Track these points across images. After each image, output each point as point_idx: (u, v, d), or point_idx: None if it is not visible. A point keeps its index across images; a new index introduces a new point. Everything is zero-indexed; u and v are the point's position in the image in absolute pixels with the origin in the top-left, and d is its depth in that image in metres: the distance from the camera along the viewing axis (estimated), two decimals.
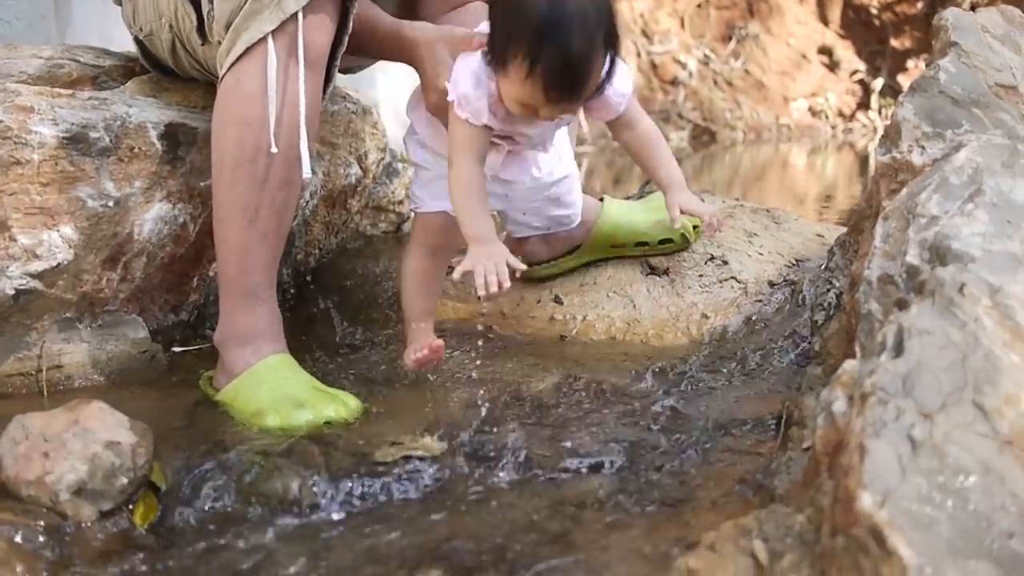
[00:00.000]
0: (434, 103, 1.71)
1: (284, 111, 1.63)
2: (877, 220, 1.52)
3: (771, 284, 2.05)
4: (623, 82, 1.65)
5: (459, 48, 1.65)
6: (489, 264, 1.47)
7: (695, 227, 2.13)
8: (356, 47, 1.76)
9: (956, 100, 1.65)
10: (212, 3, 1.68)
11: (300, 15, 1.60)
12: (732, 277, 2.07)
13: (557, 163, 1.82)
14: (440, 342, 1.74)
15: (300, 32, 1.61)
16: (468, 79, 1.58)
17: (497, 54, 1.54)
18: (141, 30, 1.93)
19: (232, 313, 1.69)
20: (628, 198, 2.29)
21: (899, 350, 1.15)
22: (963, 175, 1.44)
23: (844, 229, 2.12)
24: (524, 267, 1.52)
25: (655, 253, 2.10)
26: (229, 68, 1.64)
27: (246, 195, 1.64)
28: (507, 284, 1.46)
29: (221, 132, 1.66)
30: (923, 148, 1.60)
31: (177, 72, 1.99)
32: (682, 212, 1.70)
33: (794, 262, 2.12)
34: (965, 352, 1.13)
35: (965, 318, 1.18)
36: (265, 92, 1.61)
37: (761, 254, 2.14)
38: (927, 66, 1.76)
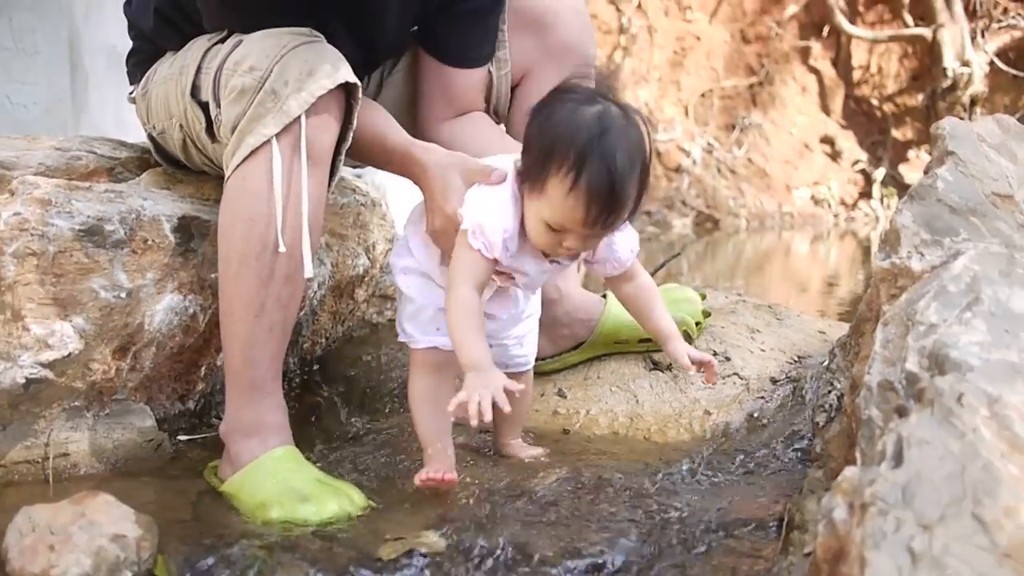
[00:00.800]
0: (438, 227, 1.70)
1: (289, 210, 1.66)
2: (877, 325, 1.54)
3: (773, 381, 2.07)
4: (633, 240, 1.70)
5: (473, 178, 1.67)
6: (485, 392, 1.45)
7: (697, 324, 2.15)
8: (363, 156, 1.80)
9: (954, 208, 1.69)
10: (220, 107, 1.73)
11: (303, 118, 1.64)
12: (735, 373, 2.08)
13: (530, 302, 1.82)
14: (454, 476, 1.68)
15: (303, 134, 1.65)
16: (489, 209, 1.59)
17: (535, 171, 1.53)
18: (154, 128, 1.98)
19: (238, 406, 1.71)
20: None
21: (899, 460, 1.17)
22: (961, 283, 1.47)
23: (845, 325, 2.14)
24: (521, 387, 1.50)
25: (658, 349, 2.12)
26: (235, 168, 1.68)
27: (252, 290, 1.68)
28: (507, 408, 1.45)
29: (228, 228, 1.70)
30: (922, 255, 1.64)
31: (189, 167, 2.03)
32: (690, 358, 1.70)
33: (796, 359, 2.14)
34: (964, 463, 1.15)
35: (964, 428, 1.20)
36: (270, 191, 1.65)
37: (763, 350, 2.16)
38: (925, 173, 1.80)
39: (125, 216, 1.84)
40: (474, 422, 1.44)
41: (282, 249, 1.65)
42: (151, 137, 2.04)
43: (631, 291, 1.75)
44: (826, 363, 1.90)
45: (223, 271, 1.70)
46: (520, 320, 1.81)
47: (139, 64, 2.05)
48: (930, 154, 1.93)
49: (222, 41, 1.78)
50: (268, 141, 1.65)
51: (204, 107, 1.79)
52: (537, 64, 2.03)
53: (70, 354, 1.75)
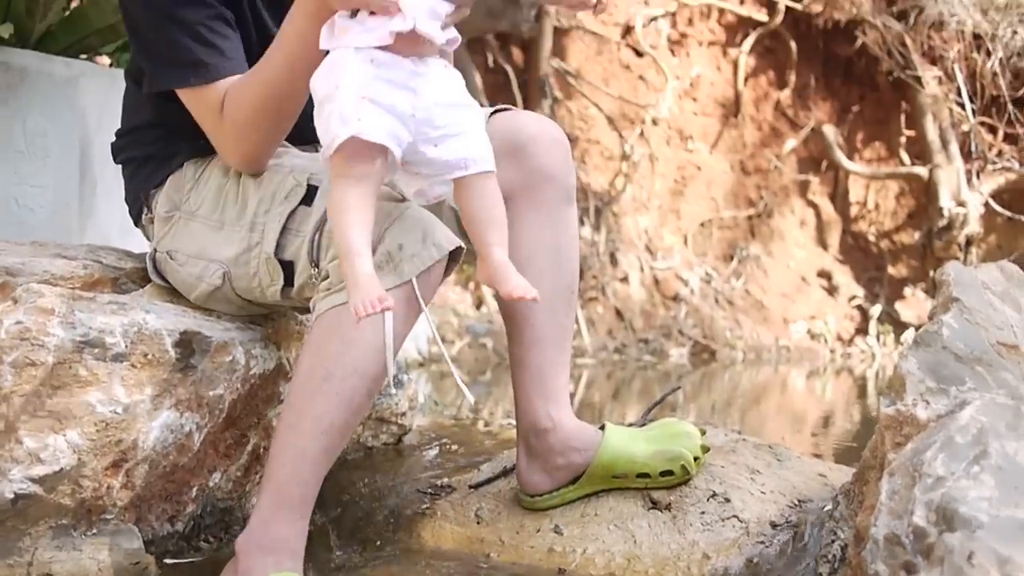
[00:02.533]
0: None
1: (387, 350, 1.72)
2: (883, 474, 1.52)
3: (773, 525, 2.03)
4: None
5: None
6: None
7: (696, 459, 2.12)
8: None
9: (959, 356, 1.68)
10: (318, 268, 1.79)
11: (415, 279, 1.73)
12: (734, 516, 2.05)
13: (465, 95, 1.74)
14: (388, 299, 1.58)
15: (417, 290, 1.74)
16: None
17: None
18: (169, 255, 2.00)
19: (268, 520, 1.71)
20: (631, 425, 2.29)
21: None
22: (968, 435, 1.46)
23: (845, 469, 2.11)
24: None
25: (657, 486, 2.08)
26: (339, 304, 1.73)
27: (326, 409, 1.71)
28: None
29: (321, 344, 1.74)
30: (927, 403, 1.62)
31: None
32: None
33: (796, 502, 2.10)
34: None
35: None
36: (374, 331, 1.70)
37: (763, 492, 2.12)
38: (930, 319, 1.80)
39: (127, 329, 1.83)
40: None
41: (390, 385, 1.77)
42: (154, 256, 2.06)
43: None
44: (828, 509, 1.87)
45: (302, 384, 1.73)
46: (453, 103, 1.70)
47: (136, 190, 2.09)
48: (930, 295, 1.94)
49: (306, 202, 1.85)
50: None
51: (286, 265, 1.85)
52: (516, 191, 2.02)
53: (61, 469, 1.72)
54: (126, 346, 1.82)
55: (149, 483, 1.85)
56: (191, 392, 1.88)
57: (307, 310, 1.87)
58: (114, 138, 2.17)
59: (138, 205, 2.10)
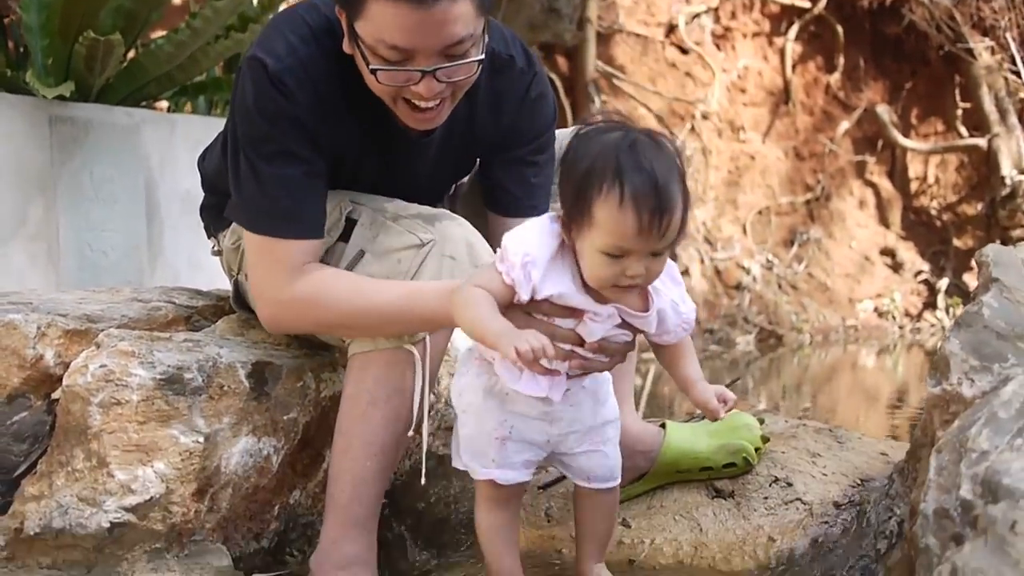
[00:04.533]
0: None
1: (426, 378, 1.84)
2: (932, 451, 1.57)
3: (836, 505, 2.08)
4: (690, 308, 1.69)
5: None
6: (526, 335, 1.50)
7: (757, 449, 2.18)
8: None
9: (1000, 334, 1.72)
10: None
11: None
12: (797, 499, 2.10)
13: (606, 407, 1.78)
14: None
15: None
16: (517, 236, 1.61)
17: (578, 207, 1.54)
18: (246, 277, 2.08)
19: (336, 540, 1.82)
20: (692, 418, 2.35)
21: None
22: (1011, 409, 1.50)
23: (907, 446, 2.15)
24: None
25: (720, 476, 2.15)
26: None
27: (375, 431, 1.83)
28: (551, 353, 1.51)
29: (361, 375, 1.84)
30: (972, 381, 1.67)
31: None
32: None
33: (859, 482, 2.15)
34: None
35: (1017, 556, 1.22)
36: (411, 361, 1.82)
37: (825, 475, 2.17)
38: (971, 299, 1.84)
39: (203, 364, 1.94)
40: (536, 368, 1.53)
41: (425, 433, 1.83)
42: (236, 283, 2.15)
43: (669, 352, 1.73)
44: (885, 487, 1.91)
45: (350, 409, 1.84)
46: (599, 425, 1.75)
47: (213, 218, 2.18)
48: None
49: (344, 238, 1.89)
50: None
51: None
52: None
53: (152, 498, 1.83)
54: (203, 380, 1.92)
55: (233, 505, 1.95)
56: (267, 418, 1.98)
57: None
58: (200, 157, 2.21)
59: (209, 231, 2.21)
